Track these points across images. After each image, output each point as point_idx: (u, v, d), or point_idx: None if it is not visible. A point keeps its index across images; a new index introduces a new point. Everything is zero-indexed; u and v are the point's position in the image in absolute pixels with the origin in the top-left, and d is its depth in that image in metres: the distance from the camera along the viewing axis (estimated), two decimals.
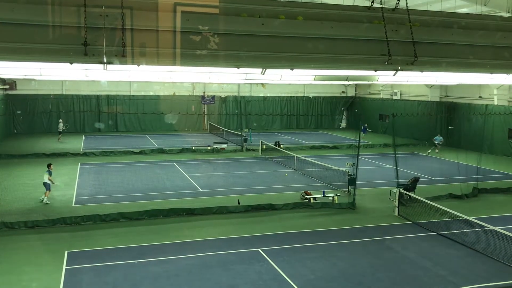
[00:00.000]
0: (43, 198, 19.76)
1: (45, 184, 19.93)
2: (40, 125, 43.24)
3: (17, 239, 15.44)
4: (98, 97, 44.62)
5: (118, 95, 45.16)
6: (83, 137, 40.54)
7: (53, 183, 20.31)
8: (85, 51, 10.42)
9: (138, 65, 11.53)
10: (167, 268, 13.23)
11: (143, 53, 11.04)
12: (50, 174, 20.17)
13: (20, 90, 41.40)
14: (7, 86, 39.47)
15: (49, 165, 20.76)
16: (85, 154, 31.36)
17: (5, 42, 10.25)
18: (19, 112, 42.38)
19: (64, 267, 13.23)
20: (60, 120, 40.10)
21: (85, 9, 10.28)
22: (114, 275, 12.74)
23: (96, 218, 17.23)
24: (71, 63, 11.02)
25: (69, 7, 10.39)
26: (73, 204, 19.52)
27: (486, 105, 35.30)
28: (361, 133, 41.34)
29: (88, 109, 44.61)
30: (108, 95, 44.85)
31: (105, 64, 10.92)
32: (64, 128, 39.14)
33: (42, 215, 17.54)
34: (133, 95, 45.63)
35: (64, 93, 43.88)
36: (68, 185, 22.86)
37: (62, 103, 43.79)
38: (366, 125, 44.26)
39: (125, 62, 10.96)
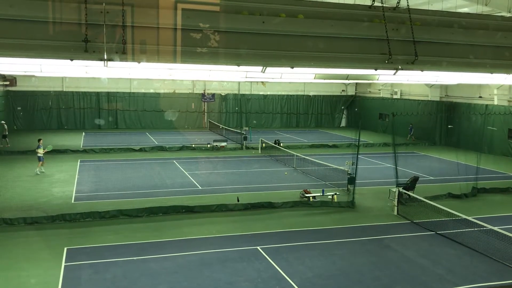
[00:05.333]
0: (37, 170, 24.00)
1: (39, 157, 24.19)
2: (40, 121, 43.26)
3: (16, 236, 15.45)
4: (98, 94, 44.59)
5: (118, 92, 45.12)
6: (83, 134, 40.54)
7: (46, 150, 24.60)
8: (85, 48, 10.42)
9: (139, 62, 11.53)
10: (166, 265, 13.24)
11: (144, 50, 11.05)
12: (40, 148, 24.24)
13: (20, 87, 41.40)
14: (7, 82, 39.42)
15: (39, 140, 24.87)
16: (84, 151, 31.37)
17: (5, 38, 10.25)
18: (19, 108, 42.37)
19: (63, 263, 13.24)
20: (3, 122, 33.92)
21: (85, 6, 10.28)
22: (113, 271, 12.76)
23: (95, 215, 17.24)
24: (71, 60, 11.03)
25: (69, 4, 10.39)
26: (72, 201, 19.53)
27: (486, 105, 35.30)
28: (409, 134, 41.28)
29: (88, 106, 44.60)
30: (108, 92, 44.82)
31: (105, 61, 10.93)
32: (5, 133, 33.27)
33: (41, 212, 17.55)
34: (133, 92, 45.63)
35: (64, 89, 43.87)
36: (67, 181, 22.87)
37: (62, 100, 43.79)
38: (411, 125, 41.81)
39: (125, 59, 10.96)
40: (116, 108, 45.25)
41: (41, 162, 24.27)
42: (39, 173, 24.00)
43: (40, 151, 24.24)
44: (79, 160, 28.41)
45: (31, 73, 22.18)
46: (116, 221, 17.12)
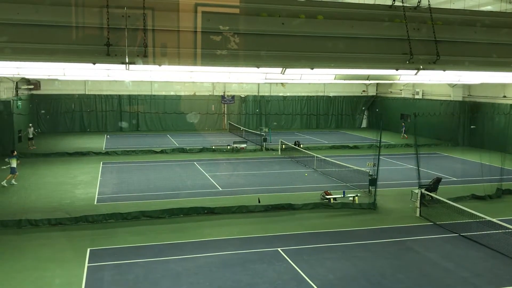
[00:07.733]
0: (4, 182, 22.30)
1: (13, 168, 22.62)
2: (63, 124, 44.01)
3: (41, 236, 15.76)
4: (120, 96, 45.16)
5: (139, 95, 45.63)
6: (106, 136, 41.10)
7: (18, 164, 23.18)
8: (107, 52, 10.58)
9: (160, 65, 11.64)
10: (187, 266, 13.34)
11: (165, 53, 11.15)
12: (16, 158, 22.91)
13: (44, 90, 42.22)
14: (32, 86, 40.29)
15: (12, 152, 23.52)
16: (107, 153, 31.81)
17: (30, 43, 10.47)
18: (43, 111, 43.18)
19: (86, 264, 13.45)
20: (30, 125, 35.25)
21: (107, 10, 10.43)
22: (135, 272, 12.90)
23: (117, 216, 17.46)
24: (94, 63, 11.19)
25: (92, 8, 10.56)
26: (95, 203, 19.81)
27: (511, 105, 34.62)
28: (402, 132, 41.66)
29: (110, 108, 45.20)
30: (129, 95, 45.36)
31: (127, 64, 11.06)
32: (34, 133, 35.07)
33: (65, 213, 17.85)
34: (154, 95, 46.06)
35: (86, 93, 44.57)
36: (90, 183, 23.21)
37: (85, 103, 44.49)
38: (403, 123, 43.67)
39: (147, 62, 11.08)
40: (138, 111, 45.77)
41: (11, 175, 22.58)
42: (5, 184, 22.22)
43: (14, 162, 22.52)
44: (101, 162, 28.81)
45: (54, 76, 22.57)
46: (138, 222, 17.31)
